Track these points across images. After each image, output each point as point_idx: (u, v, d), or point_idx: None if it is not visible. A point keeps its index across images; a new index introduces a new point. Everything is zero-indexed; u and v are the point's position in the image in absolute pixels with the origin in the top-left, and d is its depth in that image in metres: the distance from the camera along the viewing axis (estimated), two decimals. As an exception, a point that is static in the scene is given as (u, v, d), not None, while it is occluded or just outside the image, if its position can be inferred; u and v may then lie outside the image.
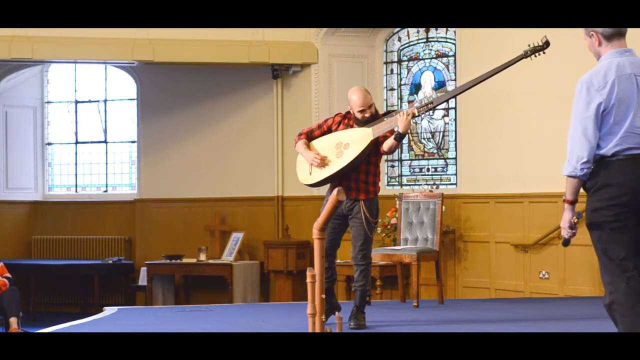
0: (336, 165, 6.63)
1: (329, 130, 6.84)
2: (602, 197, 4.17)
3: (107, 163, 13.07)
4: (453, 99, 10.61)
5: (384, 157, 7.66)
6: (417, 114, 6.52)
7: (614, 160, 4.14)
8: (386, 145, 6.63)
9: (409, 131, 6.85)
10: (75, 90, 13.24)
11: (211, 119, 11.92)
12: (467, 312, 8.00)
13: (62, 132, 13.27)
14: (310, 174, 6.74)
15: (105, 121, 13.04)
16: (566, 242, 4.47)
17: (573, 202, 4.27)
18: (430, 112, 10.86)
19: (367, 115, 6.67)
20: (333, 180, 6.69)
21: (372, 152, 6.71)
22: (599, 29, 4.24)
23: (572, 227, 4.32)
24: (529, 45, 6.35)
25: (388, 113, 7.05)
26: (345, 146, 6.66)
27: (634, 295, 4.12)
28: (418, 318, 7.52)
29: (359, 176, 6.70)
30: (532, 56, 6.37)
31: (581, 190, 4.29)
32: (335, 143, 6.72)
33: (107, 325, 7.20)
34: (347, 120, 6.81)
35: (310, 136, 6.87)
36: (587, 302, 8.53)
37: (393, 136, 6.57)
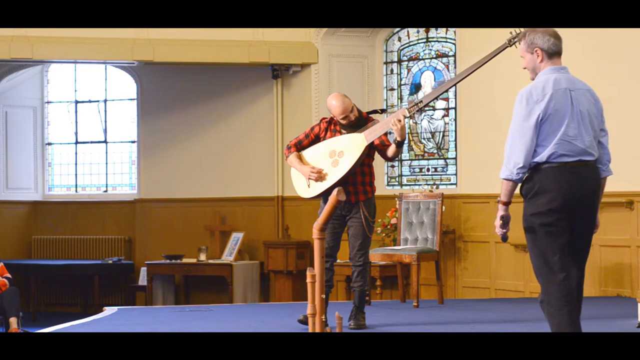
0: (334, 175, 6.59)
1: (317, 138, 6.78)
2: (538, 202, 4.47)
3: (107, 163, 13.06)
4: (453, 99, 10.61)
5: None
6: (408, 115, 6.48)
7: (548, 167, 4.46)
8: (389, 153, 6.62)
9: (408, 132, 6.82)
10: (75, 90, 13.23)
11: (211, 119, 11.92)
12: (467, 312, 7.99)
13: (62, 132, 13.26)
14: (309, 186, 6.70)
15: (105, 121, 13.04)
16: (504, 238, 4.76)
17: (507, 204, 4.59)
18: (431, 112, 10.87)
19: (351, 119, 6.64)
20: (332, 189, 6.67)
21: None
22: (545, 46, 4.57)
23: (504, 225, 4.62)
24: (511, 34, 6.34)
25: (373, 112, 7.02)
26: (340, 154, 6.61)
27: (563, 298, 4.46)
28: (418, 318, 7.51)
29: (355, 179, 6.67)
30: (516, 44, 6.34)
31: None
32: (329, 152, 6.66)
33: (107, 325, 7.20)
34: (333, 125, 6.75)
35: (299, 147, 6.80)
36: (586, 302, 8.50)
37: (394, 144, 6.55)
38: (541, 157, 4.45)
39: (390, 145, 6.63)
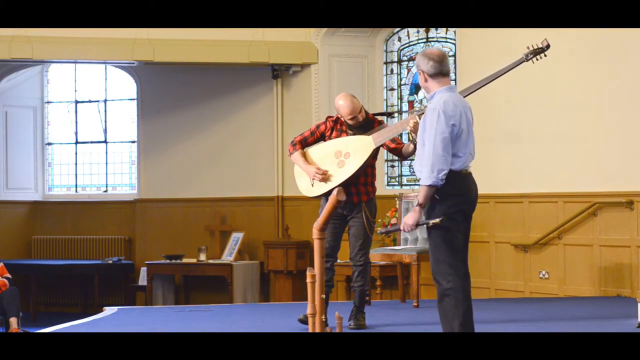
0: (339, 177, 6.56)
1: (322, 137, 6.76)
2: (451, 204, 4.98)
3: (107, 163, 13.06)
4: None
5: (384, 157, 7.62)
6: (418, 122, 6.45)
7: (461, 175, 5.01)
8: (406, 152, 6.59)
9: (407, 132, 6.79)
10: (75, 90, 13.24)
11: (211, 119, 11.92)
12: (467, 312, 7.98)
13: (62, 132, 13.27)
14: (312, 185, 6.69)
15: (105, 121, 13.04)
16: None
17: (424, 206, 5.01)
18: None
19: (359, 120, 6.62)
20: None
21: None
22: (425, 69, 5.01)
23: (418, 225, 5.03)
24: (528, 48, 6.25)
25: (380, 114, 6.99)
26: (346, 155, 6.59)
27: (467, 290, 5.05)
28: (418, 318, 7.52)
29: (358, 180, 6.65)
30: (533, 59, 6.28)
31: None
32: (335, 152, 6.64)
33: (107, 325, 7.20)
34: (339, 125, 6.72)
35: (304, 144, 6.77)
36: (587, 302, 8.53)
37: (412, 143, 6.48)
38: (455, 167, 4.97)
39: (403, 145, 6.62)
